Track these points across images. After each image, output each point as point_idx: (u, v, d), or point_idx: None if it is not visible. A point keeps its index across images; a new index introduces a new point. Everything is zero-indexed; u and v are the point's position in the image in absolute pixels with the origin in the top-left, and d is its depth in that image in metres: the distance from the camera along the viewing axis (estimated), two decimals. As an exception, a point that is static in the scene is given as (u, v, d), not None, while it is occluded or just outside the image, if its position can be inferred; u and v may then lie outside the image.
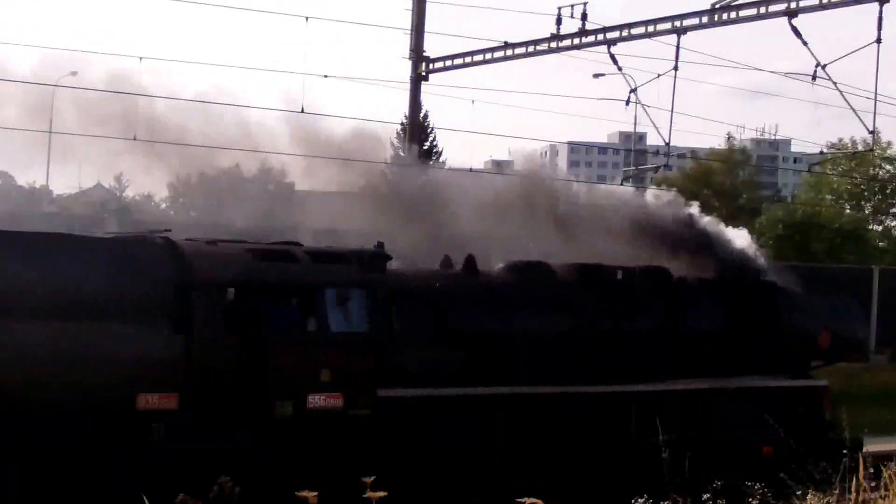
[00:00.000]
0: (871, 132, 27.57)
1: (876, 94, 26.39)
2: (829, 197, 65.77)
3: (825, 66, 26.57)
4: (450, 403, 17.52)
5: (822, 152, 33.69)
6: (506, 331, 18.79)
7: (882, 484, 13.34)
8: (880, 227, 66.63)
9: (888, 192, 65.99)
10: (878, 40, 25.72)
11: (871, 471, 13.44)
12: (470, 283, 19.20)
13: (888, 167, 64.80)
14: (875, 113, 26.67)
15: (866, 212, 65.61)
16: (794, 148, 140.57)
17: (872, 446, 19.39)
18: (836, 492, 13.46)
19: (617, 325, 19.91)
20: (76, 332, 14.68)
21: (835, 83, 26.93)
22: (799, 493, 13.53)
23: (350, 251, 17.60)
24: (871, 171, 63.41)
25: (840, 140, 63.28)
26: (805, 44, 26.45)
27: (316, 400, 16.26)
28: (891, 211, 66.52)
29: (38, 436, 14.19)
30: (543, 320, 19.35)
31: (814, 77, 26.71)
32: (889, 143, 63.73)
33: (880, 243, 62.76)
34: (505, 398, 17.92)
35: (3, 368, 14.16)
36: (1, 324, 14.20)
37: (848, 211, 64.75)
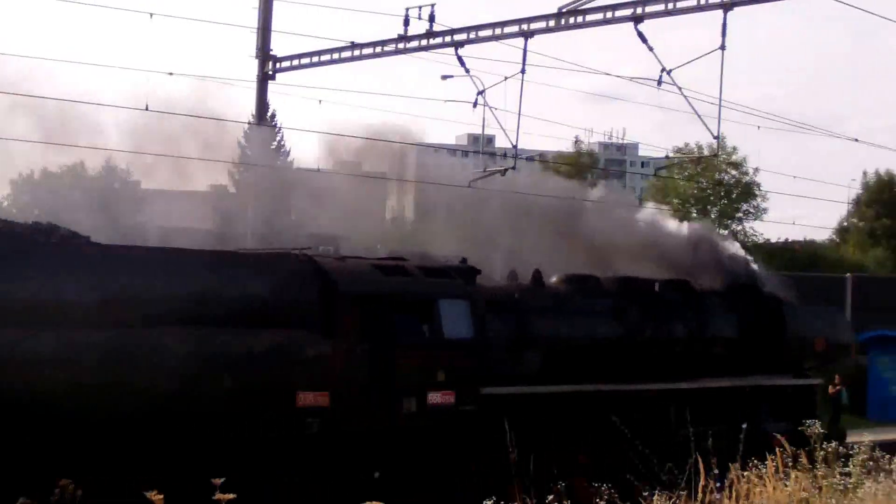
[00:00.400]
0: (716, 137, 27.86)
1: (720, 99, 26.72)
2: (675, 201, 66.70)
3: (670, 71, 26.84)
4: (538, 400, 20.80)
5: (667, 156, 34.05)
6: (573, 335, 22.42)
7: (727, 485, 13.55)
8: (726, 231, 67.75)
9: (734, 196, 67.14)
10: (722, 47, 25.99)
11: (717, 472, 13.64)
12: (542, 294, 22.70)
13: (733, 172, 65.86)
14: (720, 118, 27.03)
15: (713, 216, 66.65)
16: (642, 152, 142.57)
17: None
18: (684, 492, 13.63)
19: (656, 330, 23.77)
20: (244, 338, 17.32)
21: (680, 88, 27.20)
22: (646, 493, 13.66)
23: (448, 266, 20.91)
24: (717, 176, 64.41)
25: (686, 145, 64.19)
26: (651, 49, 26.70)
27: (434, 397, 19.17)
28: (736, 215, 67.71)
29: (216, 432, 16.58)
30: (601, 327, 23.07)
31: (659, 82, 26.93)
32: (734, 149, 64.80)
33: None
34: (582, 395, 21.41)
35: (190, 369, 16.67)
36: (183, 331, 16.73)
37: (694, 215, 65.75)
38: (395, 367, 18.90)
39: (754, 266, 28.04)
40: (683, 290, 25.14)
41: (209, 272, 17.67)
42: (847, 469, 14.03)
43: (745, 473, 13.68)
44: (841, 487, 13.62)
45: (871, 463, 14.22)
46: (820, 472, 13.68)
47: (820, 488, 13.46)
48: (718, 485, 13.62)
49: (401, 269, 20.11)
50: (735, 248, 28.73)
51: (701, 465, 13.50)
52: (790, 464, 13.91)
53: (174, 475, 14.13)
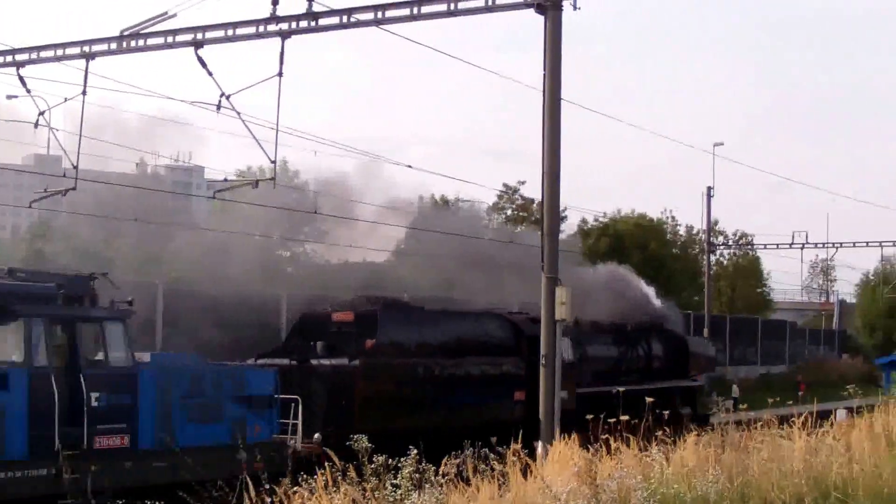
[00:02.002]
0: (273, 162, 28.32)
1: (278, 124, 27.28)
2: (240, 224, 66.76)
3: (230, 96, 27.21)
4: (597, 395, 35.72)
5: (226, 179, 34.38)
6: (600, 356, 40.06)
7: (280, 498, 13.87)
8: (289, 254, 68.42)
9: (296, 220, 67.77)
10: (280, 74, 26.61)
11: (268, 486, 13.97)
12: (585, 331, 39.51)
13: (295, 195, 66.49)
14: (277, 143, 27.56)
15: (275, 238, 67.09)
16: (208, 175, 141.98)
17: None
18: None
19: (632, 352, 42.11)
20: (490, 362, 33.92)
21: (238, 113, 27.56)
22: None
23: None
24: (280, 200, 64.81)
25: (249, 168, 64.43)
26: (210, 74, 26.99)
27: (563, 393, 29.04)
28: (299, 237, 68.40)
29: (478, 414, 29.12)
30: (610, 350, 41.30)
31: (218, 107, 27.26)
32: (297, 173, 65.42)
33: (289, 269, 64.37)
34: (612, 393, 34.25)
35: (473, 377, 33.23)
36: (472, 358, 33.23)
37: (258, 237, 66.06)
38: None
39: (666, 310, 48.06)
40: (640, 328, 43.48)
41: (479, 325, 35.76)
42: (396, 481, 14.58)
43: (296, 489, 14.03)
44: (391, 499, 14.23)
45: (417, 475, 14.86)
46: (369, 485, 14.23)
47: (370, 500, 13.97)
48: (270, 500, 13.94)
49: (536, 319, 31.63)
50: (655, 299, 47.96)
51: (250, 483, 13.82)
52: (340, 478, 14.35)
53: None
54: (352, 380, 28.80)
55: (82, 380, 21.62)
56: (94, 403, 21.67)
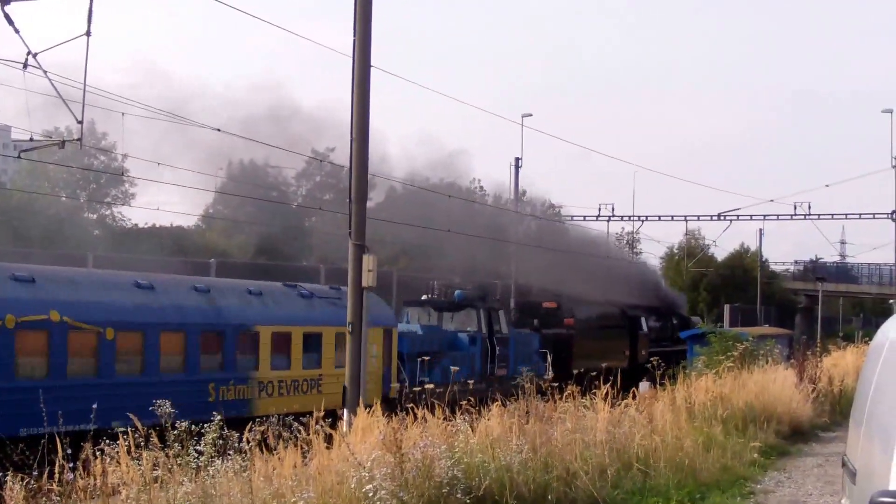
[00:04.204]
0: (80, 122, 27.73)
1: (85, 84, 26.76)
2: (46, 184, 65.76)
3: (37, 54, 26.60)
4: (653, 353, 48.63)
5: (31, 139, 33.54)
6: (654, 327, 63.55)
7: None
8: (95, 216, 67.48)
9: (102, 181, 66.88)
10: (88, 33, 26.12)
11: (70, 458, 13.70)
12: (643, 311, 62.99)
13: (102, 157, 65.60)
14: (84, 103, 27.02)
15: (82, 200, 66.15)
16: (15, 135, 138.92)
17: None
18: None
19: (663, 326, 65.86)
20: (609, 336, 55.61)
21: (45, 72, 26.97)
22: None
23: (639, 305, 63.97)
24: (86, 161, 63.95)
25: (56, 129, 63.29)
26: (17, 31, 26.37)
27: (643, 351, 57.84)
28: (105, 200, 67.53)
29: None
30: (656, 324, 64.43)
31: (25, 65, 26.65)
32: (105, 134, 64.52)
33: (95, 231, 63.64)
34: (666, 351, 54.84)
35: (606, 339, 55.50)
36: (604, 331, 56.74)
37: (64, 198, 65.05)
38: (638, 341, 58.32)
39: (675, 296, 76.03)
40: (666, 310, 67.92)
41: (606, 308, 57.07)
42: (199, 447, 14.45)
43: (99, 453, 13.78)
44: (194, 466, 14.11)
45: (221, 441, 14.75)
46: (172, 451, 14.05)
47: (172, 467, 13.83)
48: (72, 465, 13.68)
49: (632, 305, 60.92)
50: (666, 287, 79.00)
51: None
52: (143, 443, 14.15)
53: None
54: (569, 340, 48.74)
55: (493, 341, 41.32)
56: (497, 352, 41.43)
